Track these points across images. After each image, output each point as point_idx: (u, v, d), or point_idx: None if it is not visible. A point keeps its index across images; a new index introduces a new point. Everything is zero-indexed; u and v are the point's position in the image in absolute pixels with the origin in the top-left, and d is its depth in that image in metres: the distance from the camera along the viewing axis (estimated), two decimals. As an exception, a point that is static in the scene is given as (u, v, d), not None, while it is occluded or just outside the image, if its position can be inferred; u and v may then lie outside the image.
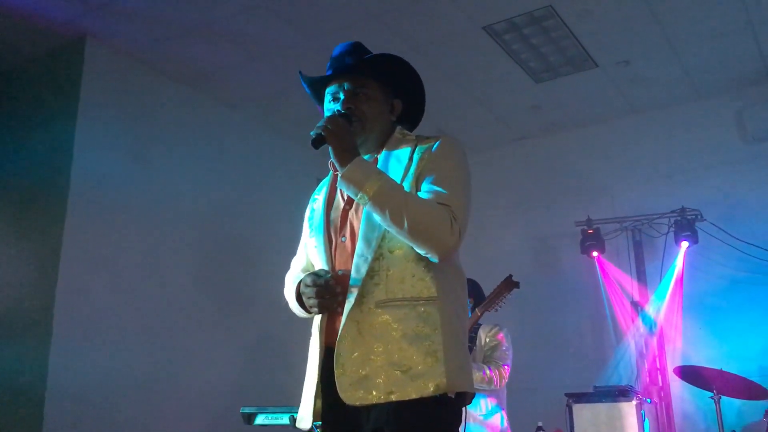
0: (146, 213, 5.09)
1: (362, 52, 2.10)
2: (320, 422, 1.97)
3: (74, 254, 4.60)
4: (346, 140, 1.91)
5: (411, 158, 1.97)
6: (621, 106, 6.03)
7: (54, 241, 4.58)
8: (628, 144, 6.13)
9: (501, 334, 3.99)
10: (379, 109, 2.06)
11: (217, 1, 4.57)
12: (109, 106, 5.00)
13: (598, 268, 5.87)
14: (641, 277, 5.80)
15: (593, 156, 6.26)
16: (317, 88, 2.14)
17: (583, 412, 4.43)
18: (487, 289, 3.98)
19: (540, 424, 4.30)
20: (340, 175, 1.89)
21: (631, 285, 5.82)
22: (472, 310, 3.92)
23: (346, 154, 1.88)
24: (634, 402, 4.33)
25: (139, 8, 4.62)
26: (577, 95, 5.87)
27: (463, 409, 1.90)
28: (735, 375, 4.38)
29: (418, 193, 1.91)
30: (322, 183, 2.20)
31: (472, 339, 3.97)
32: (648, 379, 5.43)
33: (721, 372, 4.40)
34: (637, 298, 5.71)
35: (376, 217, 1.86)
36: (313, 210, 2.15)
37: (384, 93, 2.09)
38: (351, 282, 1.89)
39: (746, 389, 4.43)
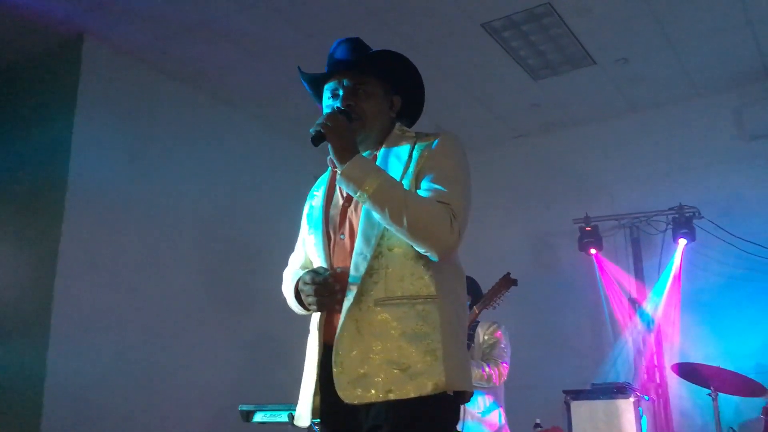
0: (144, 211, 5.09)
1: (362, 48, 2.09)
2: (318, 420, 1.97)
3: (72, 253, 4.60)
4: (346, 137, 1.90)
5: (410, 156, 1.96)
6: (620, 103, 6.04)
7: (52, 240, 4.57)
8: (626, 142, 6.14)
9: (499, 332, 3.99)
10: (378, 106, 2.05)
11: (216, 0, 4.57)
12: (107, 104, 4.99)
13: (596, 266, 5.88)
14: (639, 274, 5.81)
15: (592, 154, 6.26)
16: (316, 84, 2.13)
17: (580, 410, 4.44)
18: (485, 287, 3.98)
19: (538, 421, 4.31)
20: (339, 172, 1.88)
21: (629, 282, 5.83)
22: (470, 307, 3.92)
23: (346, 152, 1.88)
24: (631, 399, 4.34)
25: (138, 6, 4.61)
26: (575, 93, 5.87)
27: (462, 407, 1.90)
28: (732, 372, 4.39)
29: (418, 191, 1.90)
30: (320, 179, 2.19)
31: (470, 336, 3.98)
32: (646, 376, 5.44)
33: (718, 369, 4.41)
34: (635, 295, 5.73)
35: (376, 215, 1.85)
36: (311, 207, 2.14)
37: (383, 89, 2.08)
38: (350, 280, 1.88)
39: (744, 386, 4.44)
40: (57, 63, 5.02)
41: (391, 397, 1.77)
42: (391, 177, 1.89)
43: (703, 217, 5.50)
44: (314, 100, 2.19)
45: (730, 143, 5.67)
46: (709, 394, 4.46)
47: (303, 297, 1.98)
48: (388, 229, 1.87)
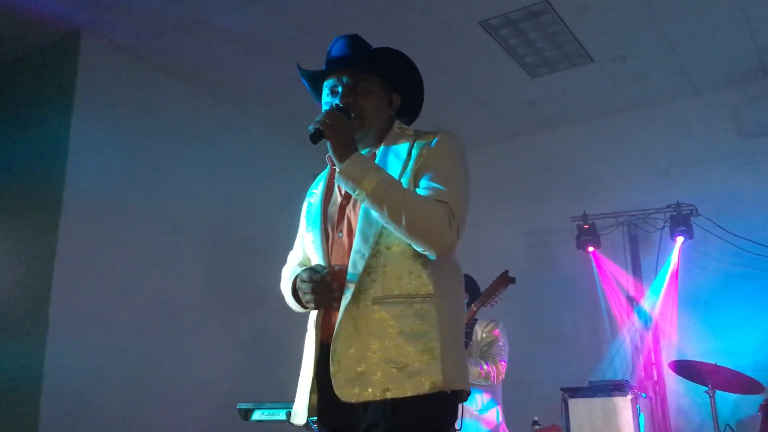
0: (142, 209, 5.07)
1: (361, 45, 2.08)
2: (316, 418, 1.97)
3: (70, 251, 4.59)
4: (345, 135, 1.89)
5: (409, 154, 1.96)
6: (617, 101, 6.04)
7: (49, 239, 4.56)
8: (624, 139, 6.14)
9: (497, 330, 3.99)
10: (377, 104, 2.04)
11: (212, -4, 4.56)
12: (105, 101, 4.98)
13: (593, 263, 5.89)
14: (636, 272, 5.82)
15: (589, 151, 6.26)
16: (315, 82, 2.12)
17: (578, 407, 4.45)
18: (483, 285, 3.98)
19: (536, 418, 4.32)
20: (338, 170, 1.88)
21: (626, 280, 5.83)
22: (468, 305, 3.92)
23: (345, 150, 1.87)
24: (629, 396, 4.35)
25: (135, 3, 4.60)
26: (573, 91, 5.87)
27: (460, 406, 1.90)
28: (730, 369, 4.40)
29: (417, 189, 1.90)
30: (319, 177, 2.18)
31: (468, 334, 3.98)
32: (643, 374, 5.45)
33: (715, 366, 4.42)
34: (632, 292, 5.73)
35: (374, 214, 1.85)
36: (310, 204, 2.13)
37: (383, 87, 2.07)
38: (348, 278, 1.88)
39: (741, 384, 4.45)
40: (54, 60, 5.00)
41: (389, 395, 1.77)
42: (390, 175, 1.88)
43: (700, 214, 5.50)
44: (313, 98, 2.19)
45: (728, 141, 5.68)
46: (707, 392, 4.47)
47: (300, 294, 1.97)
48: (386, 228, 1.86)
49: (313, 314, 2.00)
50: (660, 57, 5.33)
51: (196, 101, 5.68)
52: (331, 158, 1.94)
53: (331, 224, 2.02)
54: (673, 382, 5.29)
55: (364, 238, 1.89)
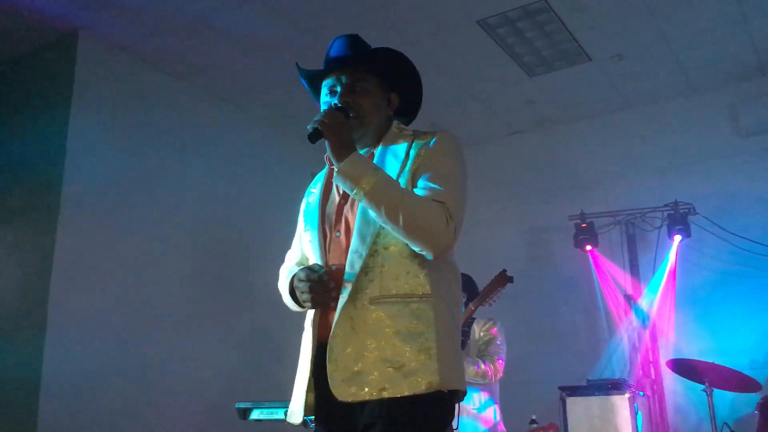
0: (139, 209, 5.07)
1: (360, 45, 2.08)
2: (313, 417, 1.97)
3: (68, 250, 4.58)
4: (343, 135, 1.89)
5: (407, 154, 1.96)
6: (615, 100, 6.04)
7: (47, 238, 4.56)
8: (621, 138, 6.14)
9: (495, 329, 4.00)
10: (376, 103, 2.04)
11: (210, -5, 4.56)
12: (103, 100, 4.97)
13: (591, 262, 5.90)
14: (634, 270, 5.82)
15: (587, 150, 6.27)
16: (314, 81, 2.13)
17: (576, 406, 4.46)
18: (481, 284, 3.98)
19: (533, 417, 4.32)
20: (336, 170, 1.87)
21: (624, 279, 5.84)
22: (466, 304, 3.93)
23: (343, 149, 1.87)
24: (626, 395, 4.36)
25: (132, 2, 4.59)
26: (571, 89, 5.87)
27: (456, 405, 1.91)
28: (727, 368, 4.41)
29: (414, 189, 1.90)
30: (317, 176, 2.19)
31: (466, 333, 3.98)
32: (641, 373, 5.46)
33: (713, 365, 4.43)
34: (630, 291, 5.74)
35: (372, 213, 1.85)
36: (308, 204, 2.13)
37: (381, 87, 2.07)
38: (345, 277, 1.88)
39: (738, 382, 4.46)
40: (51, 60, 4.99)
41: (385, 395, 1.77)
42: (388, 175, 1.89)
43: (698, 213, 5.51)
44: (312, 97, 2.19)
45: (726, 140, 5.68)
46: (704, 390, 4.48)
47: (298, 294, 1.97)
48: (384, 228, 1.86)
49: (310, 313, 2.00)
50: (658, 56, 5.33)
51: (193, 100, 5.67)
52: (329, 158, 1.94)
53: (329, 224, 2.02)
54: (670, 380, 5.30)
55: (362, 237, 1.89)
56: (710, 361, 4.45)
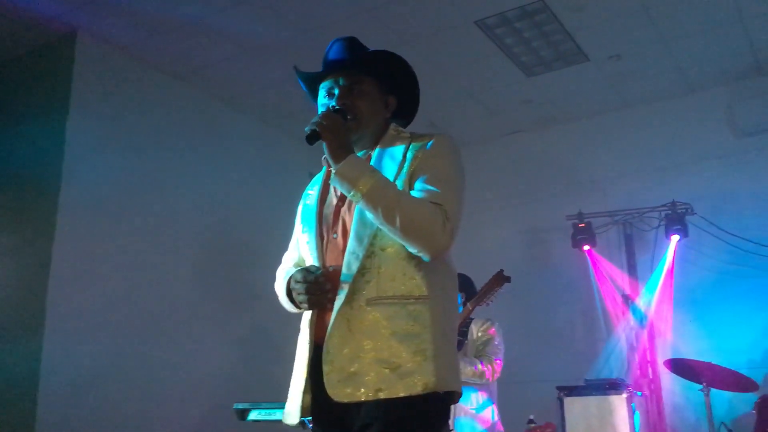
0: (138, 209, 5.07)
1: (358, 47, 2.09)
2: (310, 418, 1.97)
3: (66, 250, 4.58)
4: (341, 136, 1.90)
5: (405, 156, 1.97)
6: (612, 100, 6.05)
7: (46, 238, 4.56)
8: (619, 138, 6.15)
9: (493, 329, 4.00)
10: (373, 106, 2.05)
11: (208, -5, 4.55)
12: (101, 101, 4.97)
13: (589, 262, 5.90)
14: (632, 270, 5.83)
15: (585, 150, 6.28)
16: (312, 83, 2.13)
17: (574, 406, 4.46)
18: (479, 284, 3.99)
19: (531, 417, 4.32)
20: (333, 171, 1.88)
21: (622, 278, 5.85)
22: (464, 304, 3.93)
23: (340, 151, 1.88)
24: (624, 395, 4.36)
25: (131, 3, 4.59)
26: (568, 89, 5.88)
27: (452, 407, 1.91)
28: (724, 368, 4.41)
29: (412, 191, 1.91)
30: (315, 178, 2.19)
31: (464, 333, 3.99)
32: (638, 372, 5.46)
33: (710, 365, 4.43)
34: (627, 291, 5.75)
35: (369, 215, 1.86)
36: (305, 206, 2.14)
37: (379, 89, 2.08)
38: (342, 278, 1.89)
39: (736, 381, 4.47)
40: (50, 61, 4.98)
41: (381, 396, 1.78)
42: (385, 177, 1.89)
43: (695, 213, 5.52)
44: (310, 99, 2.19)
45: (723, 139, 5.69)
46: (702, 390, 4.48)
47: (294, 295, 1.98)
48: (381, 229, 1.87)
49: (307, 314, 2.01)
50: (655, 55, 5.34)
51: (192, 100, 5.67)
52: (326, 160, 1.95)
53: (326, 225, 2.02)
54: (668, 380, 5.30)
55: (359, 239, 1.90)
56: (708, 360, 4.46)
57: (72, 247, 4.62)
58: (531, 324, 5.83)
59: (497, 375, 3.87)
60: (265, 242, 4.73)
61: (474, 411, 3.89)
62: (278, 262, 2.28)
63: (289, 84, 2.19)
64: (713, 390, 4.49)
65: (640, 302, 5.62)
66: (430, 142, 1.98)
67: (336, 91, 2.03)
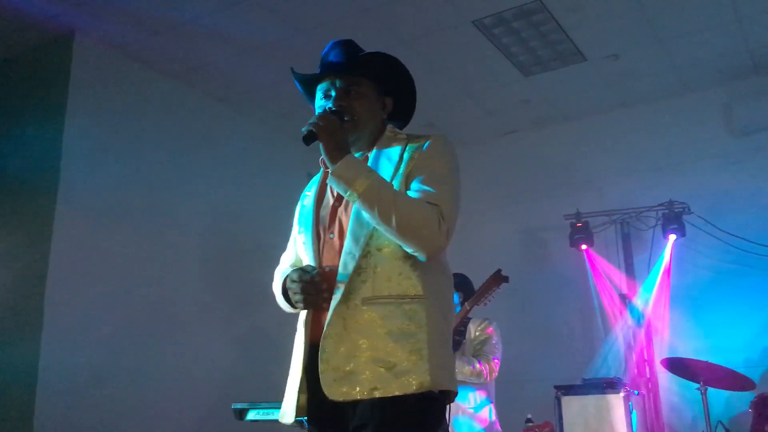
0: (136, 209, 5.07)
1: (354, 49, 2.10)
2: (306, 417, 1.98)
3: (64, 251, 4.58)
4: (337, 137, 1.91)
5: (401, 157, 1.98)
6: (610, 99, 6.06)
7: (44, 237, 4.55)
8: (616, 137, 6.16)
9: (491, 328, 4.01)
10: (370, 107, 2.07)
11: (205, -4, 4.55)
12: (99, 101, 4.96)
13: (586, 261, 5.91)
14: (629, 269, 5.84)
15: (582, 149, 6.28)
16: (309, 85, 2.14)
17: (571, 405, 4.47)
18: (477, 283, 4.00)
19: (529, 416, 4.34)
20: (330, 172, 1.89)
21: (619, 278, 5.86)
22: (462, 304, 3.94)
23: (337, 152, 1.89)
24: (621, 394, 4.38)
25: (128, 3, 4.59)
26: (566, 89, 5.89)
27: (448, 406, 1.92)
28: (721, 366, 4.43)
29: (408, 192, 1.92)
30: (313, 179, 2.20)
31: (462, 333, 4.00)
32: (636, 371, 5.47)
33: (707, 363, 4.45)
34: (625, 290, 5.76)
35: (365, 215, 1.87)
36: (303, 206, 2.15)
37: (375, 91, 2.09)
38: (338, 278, 1.90)
39: (732, 380, 4.48)
40: (47, 61, 4.97)
41: (376, 395, 1.79)
42: (382, 177, 1.91)
43: (692, 212, 5.53)
44: (307, 101, 2.20)
45: (720, 139, 5.70)
46: (699, 389, 4.50)
47: (290, 294, 1.99)
48: (377, 229, 1.88)
49: (303, 314, 2.01)
50: (652, 55, 5.35)
51: (190, 100, 5.67)
52: (323, 161, 1.96)
53: (323, 226, 2.04)
54: (665, 379, 5.31)
55: (355, 239, 1.91)
56: (705, 359, 4.48)
57: (70, 248, 4.61)
58: (528, 323, 5.85)
59: (495, 374, 3.89)
60: (264, 243, 4.74)
61: (472, 410, 3.91)
62: (277, 262, 2.29)
63: (287, 84, 2.19)
64: (710, 389, 4.51)
65: (638, 301, 5.62)
66: (427, 143, 2.00)
67: (333, 93, 2.04)
